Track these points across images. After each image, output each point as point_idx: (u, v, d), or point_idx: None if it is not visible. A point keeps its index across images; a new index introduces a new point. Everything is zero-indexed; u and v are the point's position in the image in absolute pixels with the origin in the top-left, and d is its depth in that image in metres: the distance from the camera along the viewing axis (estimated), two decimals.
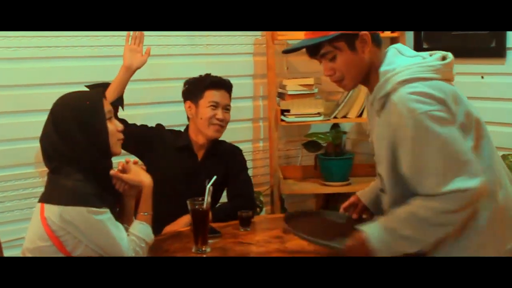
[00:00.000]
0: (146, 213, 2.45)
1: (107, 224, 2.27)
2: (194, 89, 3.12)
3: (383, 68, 2.16)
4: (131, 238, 2.36)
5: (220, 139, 3.18)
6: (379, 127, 2.18)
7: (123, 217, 2.48)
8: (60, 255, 2.28)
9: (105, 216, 2.27)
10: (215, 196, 3.07)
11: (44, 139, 2.35)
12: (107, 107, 2.38)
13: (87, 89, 2.79)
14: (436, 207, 2.02)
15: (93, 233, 2.26)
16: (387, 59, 2.19)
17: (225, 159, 3.14)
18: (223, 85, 3.13)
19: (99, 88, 2.42)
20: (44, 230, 2.26)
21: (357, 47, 2.18)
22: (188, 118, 3.18)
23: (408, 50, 2.23)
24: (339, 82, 2.27)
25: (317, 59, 2.29)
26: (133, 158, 2.63)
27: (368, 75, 2.22)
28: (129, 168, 2.46)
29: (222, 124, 3.09)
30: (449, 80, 2.15)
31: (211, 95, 3.08)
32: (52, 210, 2.25)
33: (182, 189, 2.95)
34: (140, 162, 2.56)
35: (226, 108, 3.12)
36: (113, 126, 2.38)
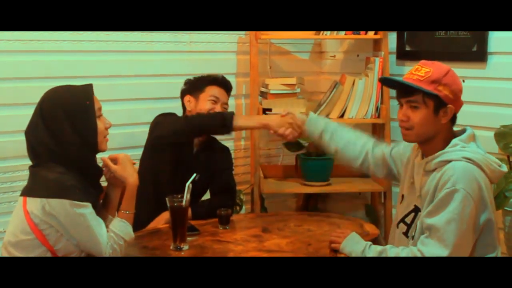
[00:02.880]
0: (127, 212, 2.44)
1: (88, 218, 2.27)
2: (196, 84, 3.19)
3: (456, 141, 2.40)
4: (110, 234, 2.35)
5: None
6: (427, 183, 2.40)
7: (107, 206, 2.48)
8: (43, 248, 2.28)
9: (87, 210, 2.27)
10: (200, 191, 3.08)
11: (31, 133, 2.34)
12: (97, 104, 2.38)
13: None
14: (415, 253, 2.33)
15: (74, 226, 2.26)
16: (464, 136, 2.42)
17: (216, 155, 3.18)
18: (225, 84, 3.21)
19: (89, 84, 2.41)
20: (27, 224, 2.25)
21: (440, 113, 2.40)
22: (184, 110, 3.22)
23: (479, 142, 2.46)
24: (406, 130, 2.46)
25: (400, 100, 2.48)
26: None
27: (433, 141, 2.43)
28: (120, 160, 2.46)
29: None
30: (492, 182, 2.42)
31: (212, 90, 3.15)
32: (35, 203, 2.25)
33: (175, 179, 2.95)
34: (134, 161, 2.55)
35: (224, 107, 3.17)
36: (102, 124, 2.38)
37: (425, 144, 2.47)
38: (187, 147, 3.10)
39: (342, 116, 3.81)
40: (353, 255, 2.43)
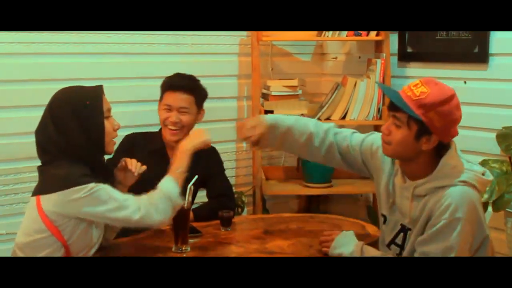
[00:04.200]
0: (179, 170, 2.49)
1: (107, 190, 2.29)
2: (160, 89, 3.11)
3: (446, 161, 2.25)
4: (142, 197, 2.37)
5: None
6: (416, 210, 2.31)
7: None
8: (57, 245, 2.30)
9: (100, 186, 2.28)
10: (193, 196, 3.07)
11: (41, 132, 2.36)
12: (106, 105, 2.39)
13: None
14: None
15: (93, 203, 2.26)
16: (451, 153, 2.27)
17: (202, 159, 3.02)
18: (181, 86, 3.04)
19: (100, 85, 2.42)
20: (42, 222, 2.28)
21: (422, 139, 2.23)
22: None
23: (459, 149, 2.33)
24: (385, 143, 2.32)
25: (389, 113, 2.31)
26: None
27: (413, 161, 2.30)
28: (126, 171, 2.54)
29: (177, 127, 3.02)
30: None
31: (166, 98, 3.04)
32: (50, 199, 2.27)
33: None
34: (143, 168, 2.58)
35: (182, 111, 3.03)
36: (110, 125, 2.40)
37: (405, 163, 2.34)
38: (160, 161, 2.96)
39: (343, 117, 3.82)
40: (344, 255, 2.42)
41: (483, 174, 2.30)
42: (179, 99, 3.03)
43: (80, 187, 2.24)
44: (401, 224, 2.39)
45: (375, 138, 2.52)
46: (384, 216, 2.49)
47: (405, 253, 2.38)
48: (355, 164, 2.61)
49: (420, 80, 2.26)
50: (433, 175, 2.26)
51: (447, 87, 2.23)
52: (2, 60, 3.17)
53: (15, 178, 3.23)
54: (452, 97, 2.21)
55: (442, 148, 2.27)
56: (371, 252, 2.43)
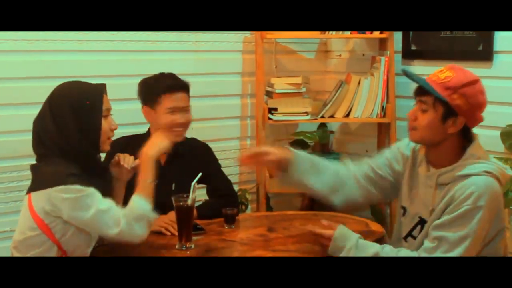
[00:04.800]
0: (148, 180, 2.42)
1: (92, 197, 2.26)
2: (149, 93, 2.97)
3: (471, 151, 2.32)
4: (124, 212, 2.32)
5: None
6: (439, 198, 2.33)
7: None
8: (49, 243, 2.30)
9: (88, 192, 2.26)
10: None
11: (38, 122, 2.37)
12: (106, 104, 2.39)
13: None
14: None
15: (78, 209, 2.25)
16: (476, 145, 2.35)
17: (196, 157, 3.05)
18: (179, 87, 2.97)
19: (102, 84, 2.42)
20: (33, 220, 2.28)
21: (448, 122, 2.29)
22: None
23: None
24: (412, 129, 2.38)
25: (416, 99, 2.38)
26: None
27: (438, 147, 2.35)
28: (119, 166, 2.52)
29: (185, 127, 2.99)
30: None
31: (168, 101, 2.92)
32: (40, 197, 2.27)
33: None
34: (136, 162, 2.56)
35: (185, 110, 2.98)
36: (108, 124, 2.40)
37: (431, 151, 2.39)
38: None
39: (347, 115, 3.81)
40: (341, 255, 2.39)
41: (505, 170, 2.39)
42: (183, 99, 2.97)
43: (66, 186, 2.23)
44: (420, 217, 2.42)
45: (392, 145, 2.61)
46: (404, 208, 2.51)
47: (416, 242, 2.40)
48: (383, 181, 2.60)
49: (445, 66, 2.36)
50: (458, 164, 2.31)
51: (472, 73, 2.33)
52: (5, 57, 3.17)
53: (18, 175, 3.23)
54: (476, 81, 2.31)
55: (467, 136, 2.35)
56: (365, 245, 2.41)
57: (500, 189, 2.29)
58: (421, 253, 2.29)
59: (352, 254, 2.35)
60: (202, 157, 3.07)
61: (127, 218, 2.29)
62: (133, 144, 3.00)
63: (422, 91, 2.32)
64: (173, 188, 2.92)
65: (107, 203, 2.30)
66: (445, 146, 2.34)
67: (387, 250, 2.35)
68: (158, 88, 2.94)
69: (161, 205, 2.59)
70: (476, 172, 2.26)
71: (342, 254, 2.37)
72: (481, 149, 2.36)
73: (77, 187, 2.25)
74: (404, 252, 2.34)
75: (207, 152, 3.14)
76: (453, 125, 2.30)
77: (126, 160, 2.55)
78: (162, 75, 3.02)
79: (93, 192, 2.28)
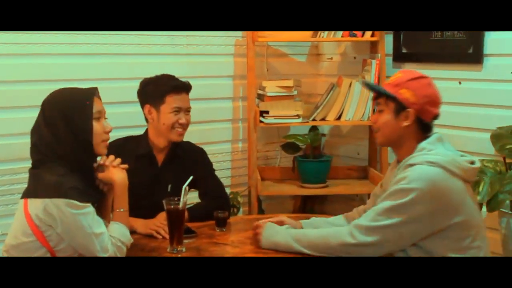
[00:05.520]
0: (122, 209, 2.45)
1: (86, 219, 2.28)
2: (154, 92, 3.02)
3: (422, 145, 2.41)
4: (111, 240, 2.37)
5: (195, 139, 3.17)
6: (392, 180, 2.45)
7: (101, 213, 2.49)
8: (43, 250, 2.30)
9: (86, 210, 2.28)
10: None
11: (35, 132, 2.38)
12: (98, 107, 2.39)
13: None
14: (350, 242, 2.35)
15: (71, 227, 2.27)
16: (430, 139, 2.43)
17: (191, 160, 3.08)
18: (184, 88, 3.04)
19: (94, 87, 2.43)
20: (28, 226, 2.27)
21: (400, 116, 2.43)
22: (147, 121, 3.09)
23: (448, 144, 2.46)
24: (375, 133, 2.54)
25: (374, 103, 2.64)
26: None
27: (402, 146, 2.47)
28: (104, 167, 2.48)
29: (185, 128, 3.04)
30: (468, 181, 2.41)
31: (173, 100, 2.99)
32: (36, 204, 2.27)
33: (145, 197, 2.90)
34: (118, 161, 2.54)
35: (187, 111, 3.05)
36: (100, 127, 2.39)
37: (397, 151, 2.50)
38: (148, 165, 3.01)
39: (339, 118, 3.83)
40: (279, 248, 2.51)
41: (471, 163, 2.41)
42: (186, 100, 3.04)
43: (65, 200, 2.24)
44: None
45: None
46: None
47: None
48: None
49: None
50: (410, 156, 2.41)
51: (421, 73, 2.49)
52: None
53: (10, 178, 3.23)
54: (423, 76, 2.46)
55: (424, 133, 2.45)
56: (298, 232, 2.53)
57: (448, 178, 2.33)
58: (352, 222, 2.42)
59: (290, 243, 2.48)
60: (197, 160, 3.10)
61: (114, 245, 2.36)
62: (129, 145, 3.03)
63: (377, 94, 2.51)
64: (169, 190, 2.97)
65: (100, 228, 2.33)
66: (406, 144, 2.45)
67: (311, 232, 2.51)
68: (165, 88, 3.00)
69: (156, 205, 2.67)
70: (418, 161, 2.35)
71: (281, 249, 2.50)
72: (435, 143, 2.41)
73: (76, 203, 2.26)
74: (332, 228, 2.54)
75: (202, 156, 3.17)
76: (405, 119, 2.42)
77: (108, 160, 2.51)
78: (164, 76, 3.08)
79: (89, 212, 2.30)
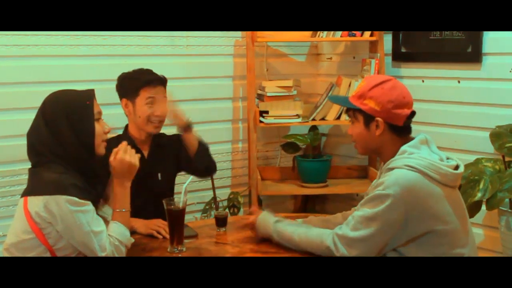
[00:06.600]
0: (123, 210, 2.45)
1: (85, 217, 2.28)
2: (129, 86, 3.03)
3: (404, 148, 2.35)
4: (109, 239, 2.37)
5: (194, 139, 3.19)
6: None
7: (109, 200, 2.52)
8: (42, 248, 2.30)
9: (86, 208, 2.29)
10: (171, 185, 3.12)
11: (33, 133, 2.37)
12: (97, 108, 2.41)
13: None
14: (333, 253, 2.34)
15: (70, 225, 2.27)
16: (413, 142, 2.37)
17: (174, 148, 3.11)
18: (159, 81, 3.04)
19: (91, 89, 2.44)
20: (28, 223, 2.28)
21: (371, 126, 2.38)
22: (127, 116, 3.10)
23: (434, 146, 2.41)
24: (354, 144, 2.50)
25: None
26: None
27: (382, 152, 2.43)
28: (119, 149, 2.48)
29: (161, 120, 3.03)
30: (450, 186, 2.33)
31: (147, 92, 2.99)
32: (36, 202, 2.28)
33: (138, 190, 2.81)
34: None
35: (163, 102, 3.03)
36: (101, 127, 2.41)
37: (380, 157, 2.48)
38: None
39: (338, 118, 3.84)
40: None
41: (456, 168, 2.35)
42: (161, 90, 3.04)
43: (65, 197, 2.25)
44: None
45: None
46: None
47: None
48: None
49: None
50: (390, 160, 2.37)
51: (383, 76, 2.49)
52: None
53: (10, 180, 3.24)
54: (385, 81, 2.38)
55: (403, 135, 2.40)
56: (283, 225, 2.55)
57: (425, 183, 2.27)
58: (335, 230, 2.37)
59: (277, 239, 2.53)
60: (179, 144, 3.10)
61: (112, 244, 2.36)
62: (114, 144, 3.02)
63: (346, 108, 2.51)
64: (159, 178, 3.04)
65: (100, 226, 2.34)
66: (388, 149, 2.40)
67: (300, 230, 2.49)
68: (138, 82, 3.01)
69: (150, 197, 2.83)
70: (398, 165, 2.30)
71: (275, 239, 2.54)
72: (417, 146, 2.36)
73: (76, 199, 2.27)
74: (316, 230, 2.47)
75: (179, 140, 3.14)
76: (376, 128, 2.37)
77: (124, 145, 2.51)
78: (141, 70, 3.09)
79: (89, 210, 2.31)
